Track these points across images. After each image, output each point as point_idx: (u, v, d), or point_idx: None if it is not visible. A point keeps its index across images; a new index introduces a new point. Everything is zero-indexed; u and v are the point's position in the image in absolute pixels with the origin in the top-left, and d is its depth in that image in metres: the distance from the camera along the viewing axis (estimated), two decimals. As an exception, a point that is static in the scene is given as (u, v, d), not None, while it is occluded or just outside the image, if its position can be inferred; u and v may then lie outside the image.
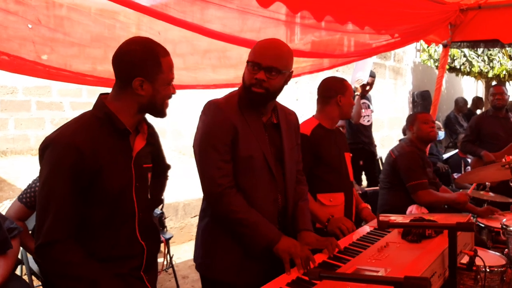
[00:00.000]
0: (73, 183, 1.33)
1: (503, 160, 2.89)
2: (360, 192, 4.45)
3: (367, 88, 4.64)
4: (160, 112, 1.49)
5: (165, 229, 3.39)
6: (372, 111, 4.91)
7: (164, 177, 1.86)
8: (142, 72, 1.39)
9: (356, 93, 4.56)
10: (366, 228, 1.99)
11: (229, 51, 2.67)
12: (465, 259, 1.75)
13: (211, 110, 1.68)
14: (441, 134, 7.01)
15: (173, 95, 1.50)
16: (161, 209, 3.54)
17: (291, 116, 1.89)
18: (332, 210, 2.21)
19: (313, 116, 2.46)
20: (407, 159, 2.99)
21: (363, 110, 4.69)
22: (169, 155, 1.66)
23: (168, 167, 1.85)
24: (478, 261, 1.73)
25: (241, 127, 1.66)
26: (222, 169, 1.63)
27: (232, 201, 1.62)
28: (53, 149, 1.35)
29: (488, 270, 2.18)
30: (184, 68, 2.61)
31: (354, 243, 1.79)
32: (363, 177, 5.03)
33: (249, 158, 1.67)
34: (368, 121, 4.83)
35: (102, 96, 1.47)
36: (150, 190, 1.79)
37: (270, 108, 1.77)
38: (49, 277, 1.51)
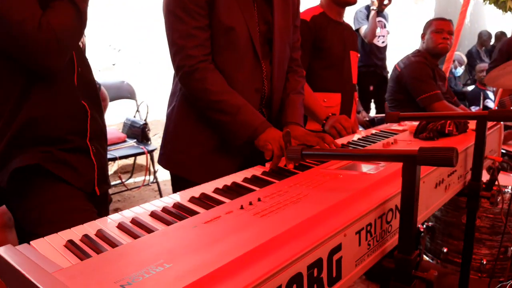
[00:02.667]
0: None
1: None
2: (367, 119, 4.09)
3: (386, 2, 4.11)
4: None
5: (149, 142, 3.10)
6: (388, 32, 4.41)
7: None
8: None
9: (372, 7, 4.05)
10: (370, 131, 1.65)
11: None
12: (484, 177, 1.40)
13: None
14: (459, 70, 6.49)
15: None
16: (145, 121, 3.24)
17: None
18: None
19: (319, 4, 2.05)
20: (414, 69, 2.59)
21: (378, 29, 4.20)
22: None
23: None
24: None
25: None
26: (195, 37, 1.25)
27: (209, 78, 1.25)
28: None
29: (510, 191, 1.86)
30: None
31: (353, 142, 1.45)
32: (372, 105, 4.63)
33: (229, 30, 1.28)
34: (383, 42, 4.36)
35: None
36: None
37: None
38: None
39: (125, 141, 3.09)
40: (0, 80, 1.11)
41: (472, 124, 1.35)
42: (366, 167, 1.08)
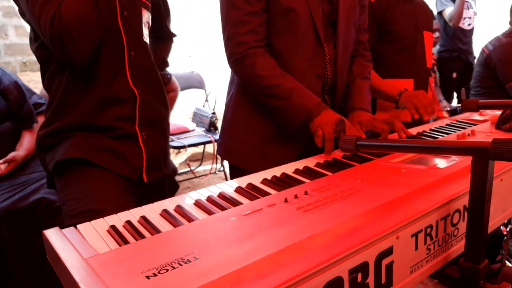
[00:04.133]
0: None
1: None
2: (449, 109, 3.77)
3: (473, -20, 3.73)
4: None
5: (217, 131, 3.14)
6: (475, 13, 4.00)
7: (168, 40, 1.64)
8: None
9: (458, -13, 3.70)
10: (444, 121, 1.49)
11: None
12: None
13: None
14: None
15: None
16: (213, 110, 3.28)
17: None
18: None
19: None
20: (505, 52, 2.30)
21: (464, 10, 3.82)
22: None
23: (172, 34, 1.62)
24: None
25: None
26: (248, 22, 1.20)
27: (258, 63, 1.20)
28: None
29: None
30: None
31: (425, 132, 1.32)
32: (455, 94, 4.25)
33: (288, 11, 1.21)
34: (469, 24, 3.96)
35: None
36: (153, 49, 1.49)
37: None
38: None
39: (194, 130, 3.17)
40: (52, 67, 1.17)
41: None
42: (435, 161, 0.96)
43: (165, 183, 1.37)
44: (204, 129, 3.20)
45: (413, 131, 1.35)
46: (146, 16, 1.26)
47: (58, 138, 1.16)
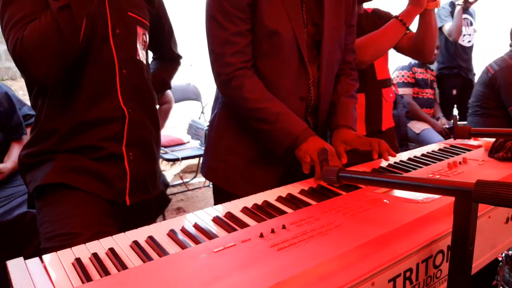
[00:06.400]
0: None
1: None
2: (447, 126, 3.74)
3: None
4: None
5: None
6: (475, 31, 3.98)
7: (173, 62, 1.57)
8: None
9: (457, 3, 3.69)
10: (434, 146, 1.45)
11: None
12: None
13: None
14: None
15: None
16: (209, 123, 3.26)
17: None
18: None
19: None
20: (511, 74, 2.26)
21: (464, 28, 3.81)
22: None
23: (177, 56, 1.57)
24: None
25: None
26: (234, 43, 1.17)
27: (246, 85, 1.17)
28: None
29: None
30: None
31: (416, 158, 1.28)
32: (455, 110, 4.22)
33: (273, 33, 1.18)
34: (469, 41, 3.95)
35: None
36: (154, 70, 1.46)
37: None
38: None
39: (189, 142, 3.14)
40: (36, 88, 1.15)
41: None
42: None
43: (151, 205, 1.34)
44: (199, 141, 3.17)
45: (404, 155, 1.31)
46: (142, 35, 1.24)
47: (39, 160, 1.13)
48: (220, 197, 1.36)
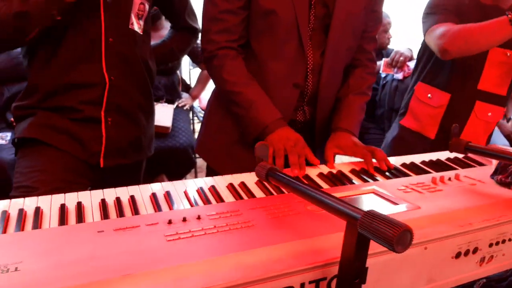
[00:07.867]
0: None
1: None
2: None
3: None
4: None
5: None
6: None
7: (187, 34, 1.55)
8: None
9: None
10: (442, 155, 1.30)
11: None
12: None
13: None
14: None
15: None
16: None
17: None
18: (427, 110, 1.66)
19: None
20: None
21: None
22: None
23: (191, 27, 1.54)
24: None
25: None
26: (222, 20, 1.12)
27: (226, 66, 1.14)
28: None
29: None
30: None
31: (406, 164, 1.17)
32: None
33: (268, 13, 1.11)
34: None
35: None
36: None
37: None
38: None
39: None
40: (25, 48, 1.21)
41: None
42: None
43: (137, 168, 1.39)
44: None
45: (406, 159, 1.21)
46: (139, 4, 1.24)
47: (25, 113, 1.22)
48: (209, 172, 1.37)
